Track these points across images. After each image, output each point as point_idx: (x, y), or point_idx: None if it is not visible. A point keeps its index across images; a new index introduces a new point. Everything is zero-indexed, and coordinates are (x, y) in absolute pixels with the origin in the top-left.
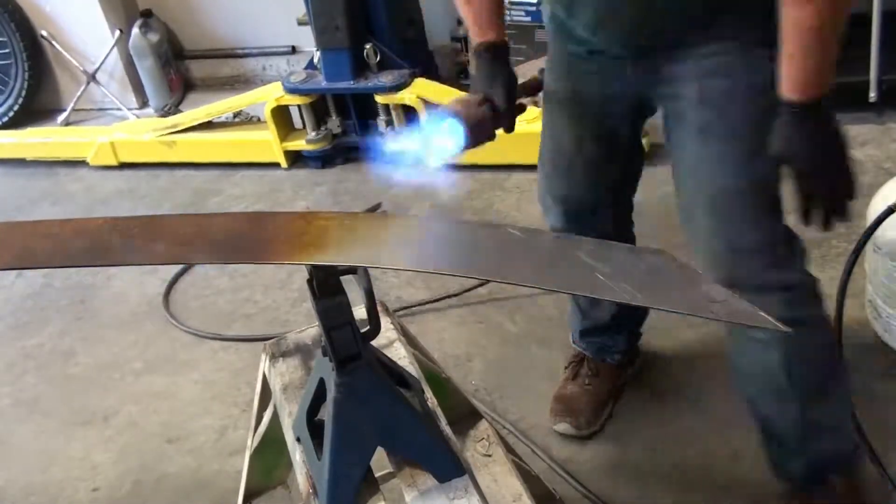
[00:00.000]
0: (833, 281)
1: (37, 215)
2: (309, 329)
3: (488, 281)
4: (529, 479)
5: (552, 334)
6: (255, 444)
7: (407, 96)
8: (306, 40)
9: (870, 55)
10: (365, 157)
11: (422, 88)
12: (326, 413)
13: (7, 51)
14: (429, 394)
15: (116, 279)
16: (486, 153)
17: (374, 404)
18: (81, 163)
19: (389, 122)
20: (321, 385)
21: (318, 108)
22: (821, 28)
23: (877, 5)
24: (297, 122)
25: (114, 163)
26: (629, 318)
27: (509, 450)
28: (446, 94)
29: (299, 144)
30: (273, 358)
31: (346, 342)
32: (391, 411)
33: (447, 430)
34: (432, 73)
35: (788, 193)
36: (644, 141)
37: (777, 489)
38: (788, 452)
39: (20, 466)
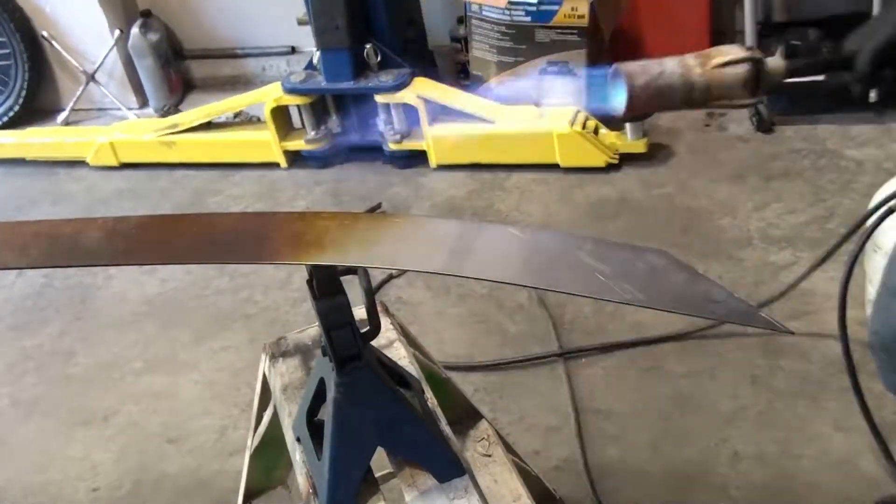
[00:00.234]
0: (834, 281)
1: (37, 215)
2: (309, 329)
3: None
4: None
5: (552, 334)
6: (255, 444)
7: (407, 96)
8: (306, 40)
9: None
10: (365, 157)
11: (422, 88)
12: (326, 413)
13: (7, 51)
14: (429, 394)
15: (116, 279)
16: (486, 153)
17: (374, 404)
18: (81, 163)
19: (389, 122)
20: (321, 385)
21: (318, 108)
22: None
23: (877, 5)
24: (297, 122)
25: (114, 163)
26: None
27: (509, 450)
28: (446, 94)
29: (299, 144)
30: (273, 358)
31: (346, 342)
32: (391, 411)
33: (447, 430)
34: (432, 73)
35: None
36: (644, 141)
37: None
38: None
39: (20, 466)
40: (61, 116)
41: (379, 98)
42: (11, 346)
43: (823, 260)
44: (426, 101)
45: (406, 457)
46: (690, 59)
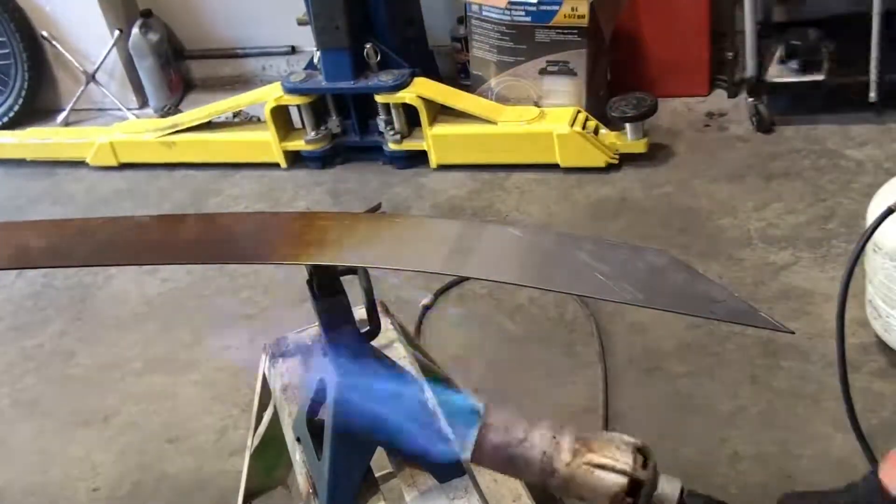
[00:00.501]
0: (834, 281)
1: (37, 215)
2: (309, 329)
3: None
4: None
5: (552, 334)
6: (255, 444)
7: (407, 96)
8: (306, 40)
9: (870, 55)
10: (365, 157)
11: (422, 88)
12: (326, 413)
13: (7, 51)
14: (429, 394)
15: (116, 279)
16: (486, 153)
17: (374, 404)
18: (81, 163)
19: (389, 122)
20: (321, 385)
21: (318, 108)
22: None
23: (877, 5)
24: (297, 122)
25: (113, 163)
26: None
27: None
28: (446, 94)
29: (299, 144)
30: (273, 358)
31: (346, 342)
32: (391, 411)
33: (447, 430)
34: (432, 73)
35: None
36: (644, 141)
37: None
38: None
39: (20, 466)
40: (61, 116)
41: (379, 98)
42: (11, 346)
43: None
44: (426, 101)
45: (406, 457)
46: (566, 440)
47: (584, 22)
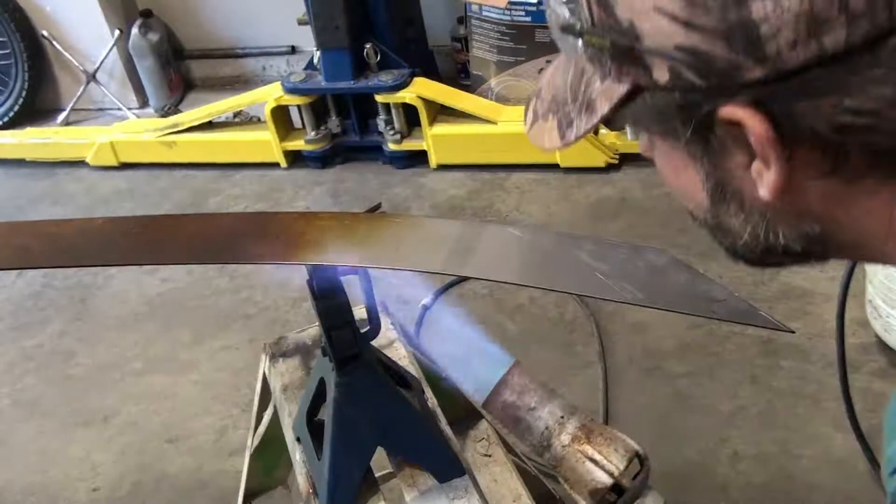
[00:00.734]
0: (834, 281)
1: (37, 215)
2: (309, 329)
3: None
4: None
5: (552, 334)
6: (255, 444)
7: (407, 96)
8: (306, 40)
9: None
10: (365, 157)
11: (422, 88)
12: (326, 413)
13: (7, 51)
14: (429, 394)
15: (116, 279)
16: (486, 153)
17: (373, 404)
18: (81, 163)
19: (389, 122)
20: (321, 385)
21: (318, 108)
22: None
23: None
24: (297, 122)
25: (114, 163)
26: None
27: (509, 450)
28: (446, 94)
29: (299, 144)
30: (273, 358)
31: (346, 342)
32: (391, 411)
33: (447, 430)
34: (432, 73)
35: None
36: None
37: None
38: None
39: (20, 466)
40: (61, 116)
41: (379, 98)
42: (11, 346)
43: None
44: (426, 101)
45: (406, 457)
46: (571, 424)
47: None
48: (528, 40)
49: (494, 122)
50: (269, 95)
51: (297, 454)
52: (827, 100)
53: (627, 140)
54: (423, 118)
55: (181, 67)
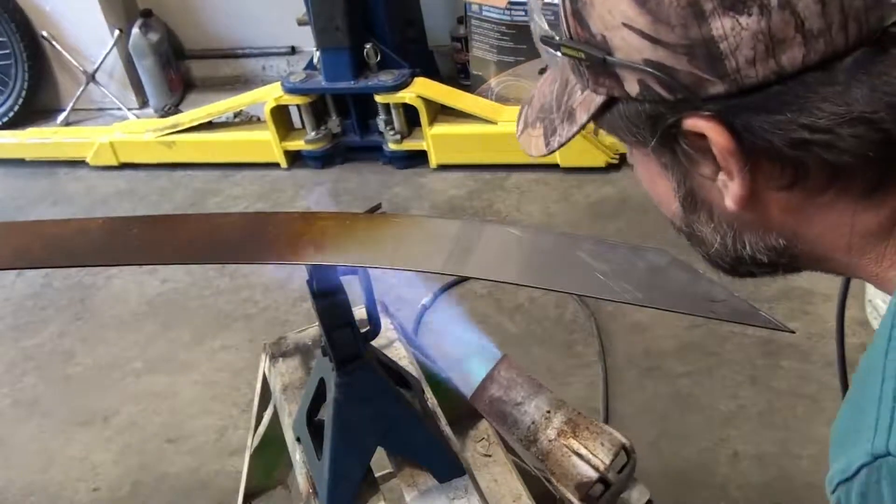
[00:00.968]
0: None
1: (37, 215)
2: (309, 329)
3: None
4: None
5: (552, 334)
6: (255, 444)
7: (407, 96)
8: (306, 40)
9: None
10: (365, 157)
11: (422, 88)
12: (326, 413)
13: (7, 51)
14: (429, 394)
15: (116, 279)
16: (486, 153)
17: (374, 404)
18: (81, 163)
19: (389, 122)
20: (321, 385)
21: (318, 108)
22: None
23: None
24: (297, 122)
25: (114, 163)
26: None
27: (509, 450)
28: (446, 94)
29: (299, 144)
30: (273, 358)
31: (346, 342)
32: (391, 411)
33: (447, 430)
34: (432, 73)
35: None
36: None
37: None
38: None
39: (20, 466)
40: (61, 116)
41: (379, 98)
42: (11, 346)
43: None
44: (426, 101)
45: (406, 457)
46: (557, 418)
47: None
48: (528, 40)
49: (494, 122)
50: (268, 95)
51: (297, 454)
52: (784, 116)
53: None
54: (423, 118)
55: (181, 67)
